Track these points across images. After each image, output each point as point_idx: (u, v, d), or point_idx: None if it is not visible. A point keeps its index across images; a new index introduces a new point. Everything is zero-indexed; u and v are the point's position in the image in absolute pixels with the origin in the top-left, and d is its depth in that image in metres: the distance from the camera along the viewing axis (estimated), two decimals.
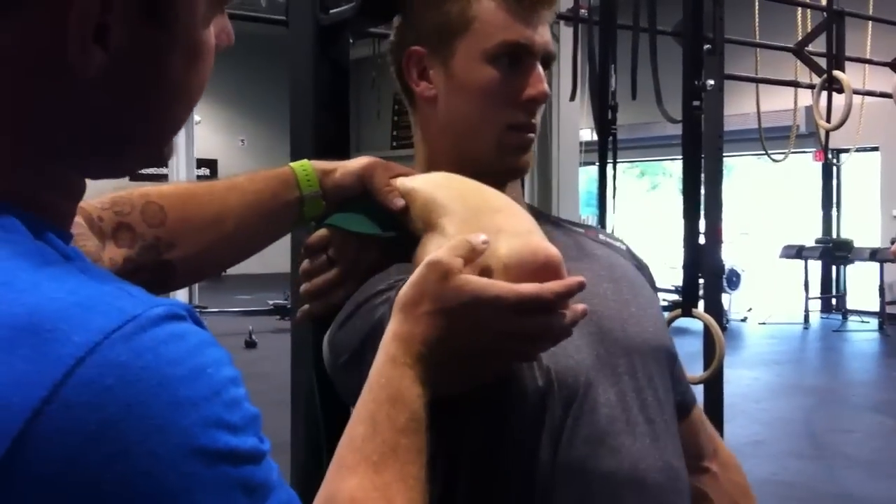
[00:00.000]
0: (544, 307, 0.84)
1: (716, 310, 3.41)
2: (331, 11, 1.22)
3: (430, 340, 0.81)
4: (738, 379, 8.74)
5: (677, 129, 2.52)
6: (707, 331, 2.65)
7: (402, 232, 1.07)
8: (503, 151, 1.16)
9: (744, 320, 13.16)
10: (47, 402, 0.41)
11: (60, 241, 0.52)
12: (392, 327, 0.83)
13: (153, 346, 0.45)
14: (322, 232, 1.12)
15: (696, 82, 2.37)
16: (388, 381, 0.79)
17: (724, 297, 12.52)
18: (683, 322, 2.44)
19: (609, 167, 2.89)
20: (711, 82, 3.19)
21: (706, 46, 3.16)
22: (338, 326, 1.07)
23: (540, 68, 1.16)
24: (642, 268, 1.32)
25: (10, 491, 0.40)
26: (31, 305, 0.44)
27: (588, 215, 11.88)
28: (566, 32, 5.59)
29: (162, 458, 0.43)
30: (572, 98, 4.44)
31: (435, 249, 0.90)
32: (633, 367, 1.10)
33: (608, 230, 3.42)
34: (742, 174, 17.91)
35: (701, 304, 3.36)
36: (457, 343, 0.83)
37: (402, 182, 1.09)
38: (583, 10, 4.47)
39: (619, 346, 1.10)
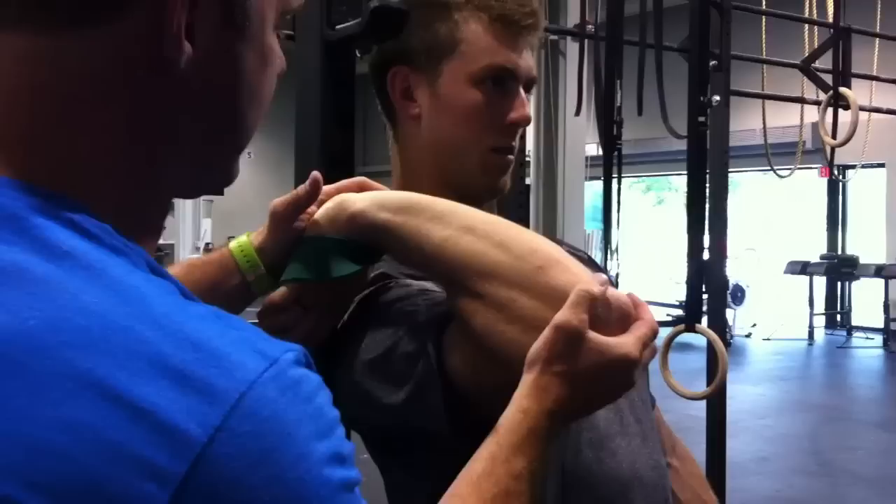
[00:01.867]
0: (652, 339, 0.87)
1: (720, 325, 3.40)
2: (337, 27, 1.23)
3: (562, 399, 0.82)
4: (743, 395, 8.73)
5: (684, 145, 2.53)
6: (711, 346, 2.65)
7: (369, 257, 1.02)
8: (485, 172, 1.18)
9: (748, 336, 13.15)
10: (219, 430, 0.48)
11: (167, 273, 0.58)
12: (527, 380, 0.83)
13: (292, 386, 0.52)
14: (283, 290, 1.04)
15: (702, 98, 2.38)
16: (516, 430, 0.81)
17: (729, 313, 12.54)
18: (688, 337, 2.44)
19: (614, 182, 2.90)
20: (717, 98, 3.19)
21: (712, 62, 3.16)
22: (379, 379, 1.02)
23: (523, 93, 1.18)
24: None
25: None
26: (196, 344, 0.50)
27: (593, 230, 11.90)
28: (573, 48, 5.61)
29: (307, 483, 0.50)
30: (577, 113, 4.46)
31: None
32: None
33: (613, 245, 3.44)
34: (748, 190, 17.91)
35: (705, 319, 3.37)
36: (587, 397, 0.85)
37: (388, 217, 0.98)
38: (590, 26, 4.49)
39: None
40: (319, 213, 1.02)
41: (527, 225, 1.03)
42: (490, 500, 0.78)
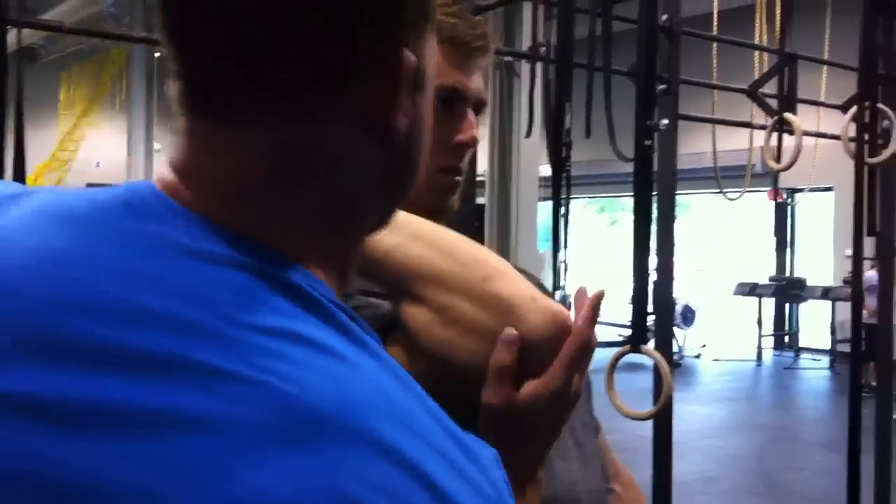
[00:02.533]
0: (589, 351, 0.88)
1: (666, 346, 3.44)
2: None
3: (523, 467, 0.85)
4: (692, 415, 8.80)
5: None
6: (657, 367, 2.67)
7: None
8: (433, 192, 1.18)
9: (698, 356, 13.27)
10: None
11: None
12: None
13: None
14: None
15: (648, 122, 2.41)
16: None
17: (679, 334, 12.67)
18: (636, 357, 2.46)
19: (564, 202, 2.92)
20: (665, 122, 3.23)
21: (661, 87, 3.21)
22: None
23: (471, 114, 1.18)
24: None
25: None
26: (453, 435, 0.56)
27: (547, 249, 11.97)
28: (528, 69, 5.65)
29: None
30: (528, 134, 4.49)
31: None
32: None
33: (561, 265, 3.47)
34: (699, 211, 18.10)
35: (653, 340, 3.39)
36: (540, 445, 0.88)
37: None
38: (544, 48, 4.53)
39: None
40: None
41: (480, 244, 1.04)
42: None
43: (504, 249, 7.34)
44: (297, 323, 0.53)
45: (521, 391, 0.84)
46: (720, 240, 18.48)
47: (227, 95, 0.58)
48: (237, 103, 0.58)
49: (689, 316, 13.02)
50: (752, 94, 3.71)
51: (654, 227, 2.97)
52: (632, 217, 2.46)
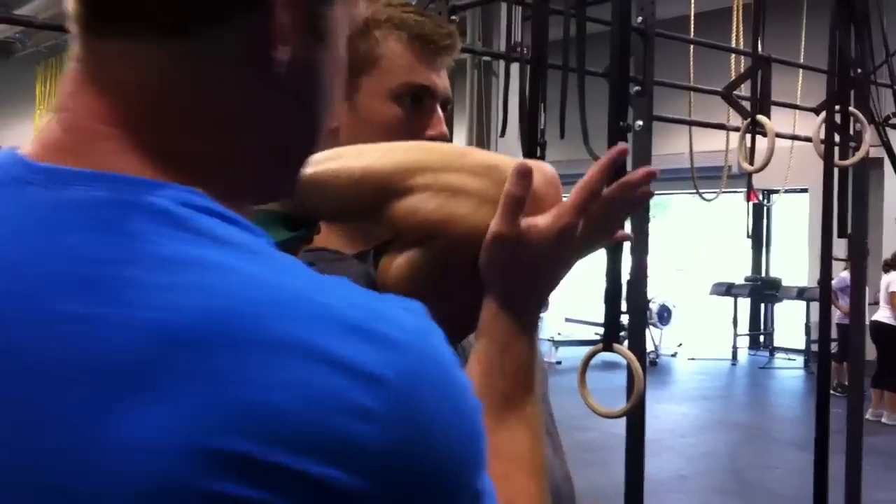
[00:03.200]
0: (599, 193, 0.86)
1: (639, 345, 3.46)
2: None
3: (526, 303, 0.85)
4: (667, 414, 8.85)
5: None
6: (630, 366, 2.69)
7: (304, 224, 1.01)
8: None
9: (674, 355, 13.33)
10: (409, 374, 0.53)
11: None
12: (489, 305, 0.85)
13: (436, 332, 0.58)
14: None
15: (622, 123, 2.43)
16: (497, 368, 0.84)
17: (656, 332, 12.73)
18: (612, 356, 2.48)
19: None
20: (640, 123, 3.26)
21: (636, 88, 3.23)
22: None
23: (439, 110, 1.21)
24: None
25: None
26: (358, 304, 0.56)
27: None
28: (504, 70, 5.66)
29: (473, 412, 0.57)
30: (502, 134, 4.52)
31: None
32: None
33: None
34: (678, 211, 18.18)
35: (627, 339, 3.42)
36: (546, 282, 0.86)
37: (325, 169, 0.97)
38: (524, 49, 4.54)
39: None
40: None
41: None
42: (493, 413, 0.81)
43: None
44: (163, 246, 0.54)
45: (532, 224, 0.84)
46: (698, 239, 18.57)
47: (108, 11, 0.59)
48: (117, 21, 0.59)
49: (665, 315, 13.08)
50: (727, 96, 3.74)
51: (628, 227, 2.99)
52: None
